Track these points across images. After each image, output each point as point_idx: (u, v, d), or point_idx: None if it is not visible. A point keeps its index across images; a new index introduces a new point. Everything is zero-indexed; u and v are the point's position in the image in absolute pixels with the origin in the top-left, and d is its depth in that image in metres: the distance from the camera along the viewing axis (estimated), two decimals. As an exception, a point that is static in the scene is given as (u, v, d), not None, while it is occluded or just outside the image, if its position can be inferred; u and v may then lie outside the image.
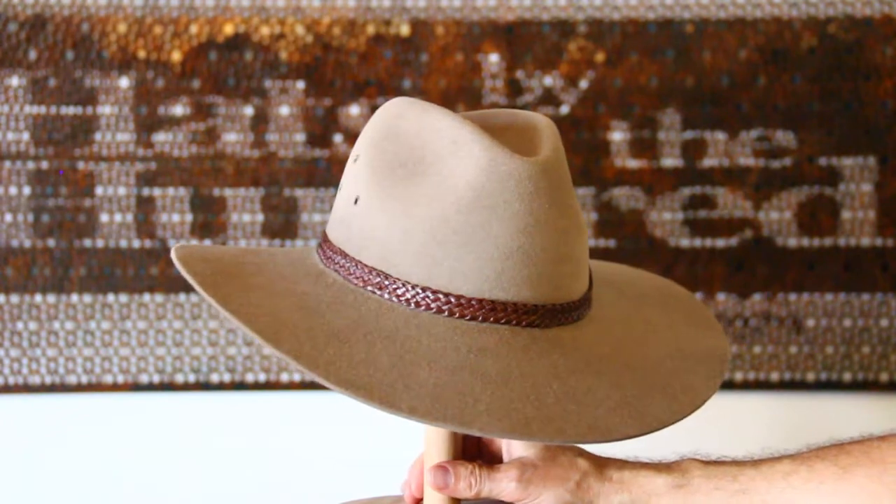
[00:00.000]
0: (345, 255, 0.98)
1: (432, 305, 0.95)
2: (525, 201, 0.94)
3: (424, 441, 1.06)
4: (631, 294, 1.14)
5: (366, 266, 0.97)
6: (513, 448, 1.04)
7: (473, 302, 0.95)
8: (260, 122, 1.58)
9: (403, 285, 0.95)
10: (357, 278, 0.97)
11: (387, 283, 0.96)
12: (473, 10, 1.58)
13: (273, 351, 0.88)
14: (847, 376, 1.59)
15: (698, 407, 0.99)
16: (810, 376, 1.59)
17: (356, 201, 0.98)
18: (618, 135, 1.58)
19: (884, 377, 1.59)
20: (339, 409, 1.60)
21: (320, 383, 0.86)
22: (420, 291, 0.95)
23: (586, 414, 0.91)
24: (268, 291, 0.95)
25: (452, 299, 0.94)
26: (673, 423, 0.95)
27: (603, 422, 0.91)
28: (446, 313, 0.94)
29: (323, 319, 0.92)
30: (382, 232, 0.96)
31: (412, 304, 0.95)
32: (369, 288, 0.96)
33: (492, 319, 0.95)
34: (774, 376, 1.59)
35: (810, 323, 1.59)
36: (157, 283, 1.58)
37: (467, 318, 0.95)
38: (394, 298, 0.95)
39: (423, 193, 0.95)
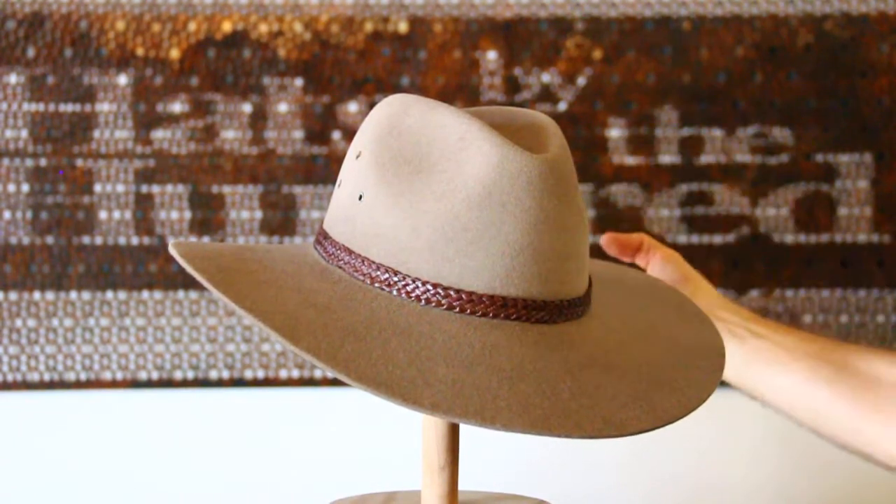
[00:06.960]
0: (350, 251, 0.98)
1: (443, 302, 0.94)
2: (535, 198, 0.94)
3: (422, 437, 1.06)
4: (621, 290, 1.14)
5: (373, 263, 0.96)
6: None
7: (485, 298, 0.94)
8: (258, 119, 1.58)
9: (414, 282, 0.95)
10: (364, 275, 0.96)
11: (396, 279, 0.95)
12: (471, 7, 1.58)
13: (291, 348, 0.88)
14: (844, 372, 1.59)
15: (704, 401, 0.99)
16: (807, 372, 1.59)
17: (360, 198, 0.98)
18: (615, 132, 1.59)
19: (880, 372, 1.60)
20: (337, 406, 1.60)
21: (341, 379, 0.86)
22: (431, 288, 0.94)
23: (601, 409, 0.91)
24: (276, 288, 0.95)
25: (464, 296, 0.94)
26: (682, 417, 0.96)
27: (617, 416, 0.91)
28: (457, 310, 0.94)
29: (335, 316, 0.92)
30: (390, 229, 0.95)
31: (423, 301, 0.95)
32: (377, 285, 0.96)
33: (502, 316, 0.95)
34: (771, 372, 1.59)
35: (807, 319, 1.59)
36: (155, 280, 1.58)
37: (478, 314, 0.95)
38: (403, 295, 0.95)
39: (431, 190, 0.95)
